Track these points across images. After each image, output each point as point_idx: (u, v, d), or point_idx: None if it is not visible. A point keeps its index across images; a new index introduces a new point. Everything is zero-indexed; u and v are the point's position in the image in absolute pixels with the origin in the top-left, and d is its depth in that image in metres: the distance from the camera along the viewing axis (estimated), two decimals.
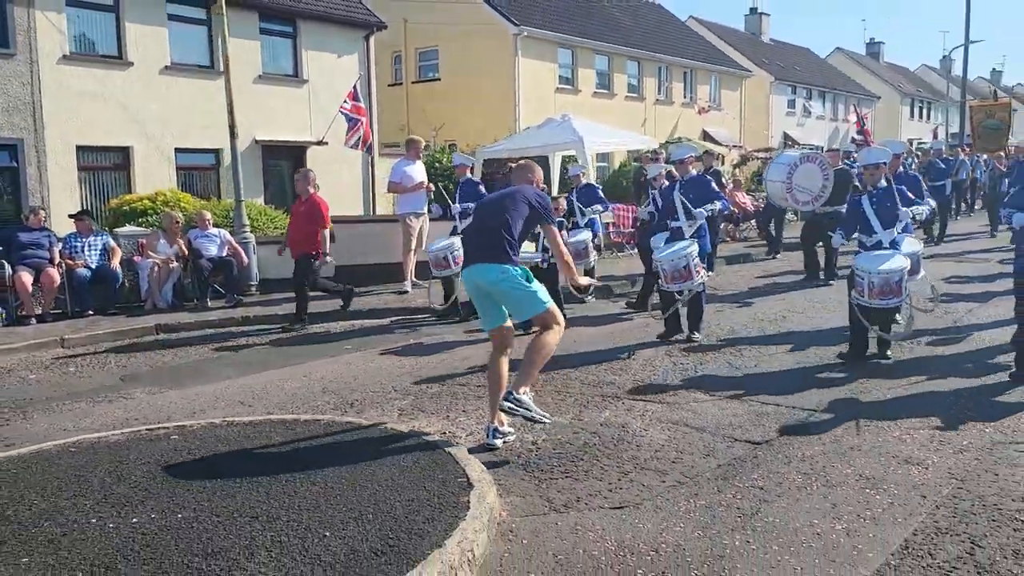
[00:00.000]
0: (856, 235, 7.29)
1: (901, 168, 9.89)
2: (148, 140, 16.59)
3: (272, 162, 19.00)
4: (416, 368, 7.49)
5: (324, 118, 18.67)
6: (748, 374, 6.82)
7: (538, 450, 5.09)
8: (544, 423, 5.07)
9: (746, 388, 6.34)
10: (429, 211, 11.73)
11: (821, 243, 11.24)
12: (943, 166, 17.38)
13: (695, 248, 7.97)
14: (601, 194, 11.94)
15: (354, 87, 16.62)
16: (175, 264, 11.11)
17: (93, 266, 10.66)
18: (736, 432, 5.31)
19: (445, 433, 5.40)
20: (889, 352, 7.03)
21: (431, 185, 11.67)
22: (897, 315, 7.37)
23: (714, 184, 9.01)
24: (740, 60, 38.35)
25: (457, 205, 10.23)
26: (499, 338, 5.23)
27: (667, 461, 4.84)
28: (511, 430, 5.25)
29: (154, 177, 16.45)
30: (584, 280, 5.71)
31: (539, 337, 5.04)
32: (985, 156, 24.25)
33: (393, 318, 10.22)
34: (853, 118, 23.05)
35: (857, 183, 11.49)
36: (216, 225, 11.81)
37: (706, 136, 32.33)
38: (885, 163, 7.34)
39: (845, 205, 11.02)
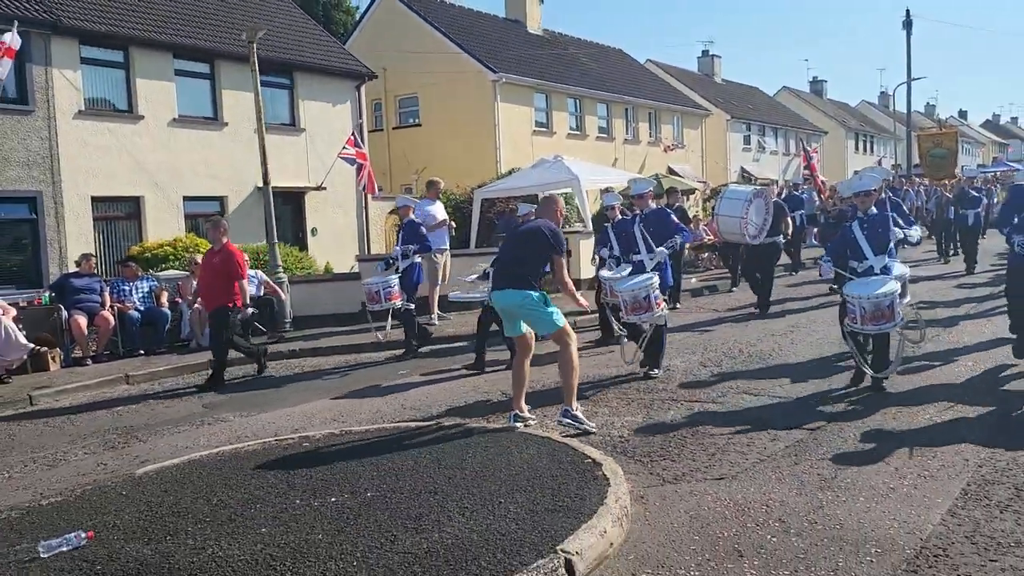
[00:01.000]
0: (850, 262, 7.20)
1: (884, 195, 10.96)
2: (158, 189, 17.20)
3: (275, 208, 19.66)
4: (480, 385, 8.28)
5: (321, 164, 19.50)
6: (775, 368, 7.76)
7: (628, 441, 5.92)
8: (593, 432, 6.05)
9: (783, 387, 7.28)
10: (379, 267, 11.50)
11: (759, 274, 12.03)
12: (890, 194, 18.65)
13: (656, 280, 7.97)
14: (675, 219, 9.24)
15: (353, 134, 17.52)
16: None
17: (141, 308, 11.25)
18: (791, 421, 6.20)
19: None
20: (884, 383, 6.91)
21: (452, 223, 12.52)
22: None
23: (674, 217, 9.00)
24: (698, 100, 40.17)
25: (398, 247, 10.41)
26: (522, 343, 6.37)
27: (742, 445, 5.70)
28: (532, 417, 6.37)
29: (164, 225, 17.05)
30: (584, 302, 6.63)
31: (561, 356, 6.21)
32: (926, 183, 25.66)
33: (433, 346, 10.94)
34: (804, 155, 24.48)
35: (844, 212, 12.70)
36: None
37: (672, 172, 33.78)
38: (875, 190, 7.63)
39: (780, 236, 12.21)
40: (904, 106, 44.35)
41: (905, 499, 4.56)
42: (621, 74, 35.56)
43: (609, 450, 5.68)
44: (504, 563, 3.67)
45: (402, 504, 4.48)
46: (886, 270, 7.02)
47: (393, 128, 28.58)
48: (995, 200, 19.73)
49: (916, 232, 7.75)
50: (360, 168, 16.30)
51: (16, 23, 12.01)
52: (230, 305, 8.99)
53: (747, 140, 44.53)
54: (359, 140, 17.24)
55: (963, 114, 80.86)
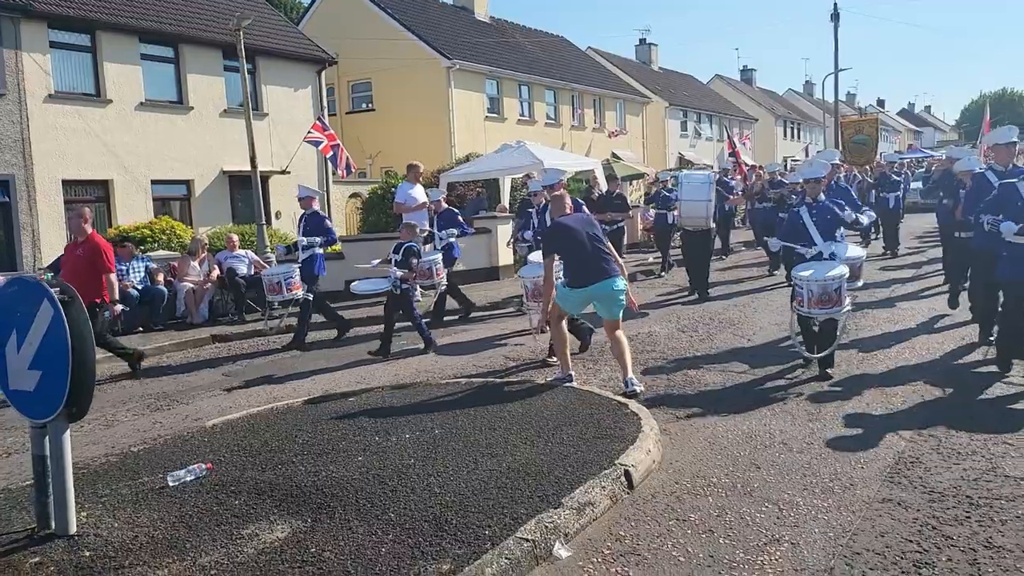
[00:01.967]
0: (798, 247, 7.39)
1: (833, 181, 11.96)
2: (126, 173, 17.37)
3: (239, 191, 19.96)
4: (467, 361, 9.08)
5: (283, 149, 19.85)
6: (744, 329, 8.77)
7: (642, 393, 6.80)
8: (643, 393, 6.70)
9: (756, 345, 8.29)
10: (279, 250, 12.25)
11: (697, 259, 12.16)
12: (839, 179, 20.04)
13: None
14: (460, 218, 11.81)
15: (319, 118, 17.98)
16: (209, 284, 12.22)
17: (139, 287, 11.64)
18: (771, 371, 7.19)
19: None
20: (830, 370, 7.01)
21: (432, 205, 13.18)
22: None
23: (585, 208, 9.14)
24: (638, 87, 41.43)
25: (303, 238, 10.34)
26: (558, 312, 6.97)
27: (740, 394, 6.63)
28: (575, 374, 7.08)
29: (132, 208, 17.24)
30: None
31: (614, 338, 6.74)
32: (846, 170, 27.18)
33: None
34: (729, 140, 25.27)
35: (786, 197, 13.73)
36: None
37: (616, 157, 34.92)
38: (824, 177, 8.07)
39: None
40: (828, 95, 46.60)
41: (879, 424, 5.56)
42: (566, 62, 36.49)
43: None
44: (576, 474, 4.50)
45: (470, 438, 5.27)
46: (834, 256, 7.13)
47: (346, 113, 28.90)
48: (910, 185, 21.17)
49: (865, 218, 8.51)
50: (337, 150, 16.74)
51: None
52: (98, 301, 8.26)
53: (684, 127, 46.07)
54: (327, 124, 17.70)
55: (881, 103, 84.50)
